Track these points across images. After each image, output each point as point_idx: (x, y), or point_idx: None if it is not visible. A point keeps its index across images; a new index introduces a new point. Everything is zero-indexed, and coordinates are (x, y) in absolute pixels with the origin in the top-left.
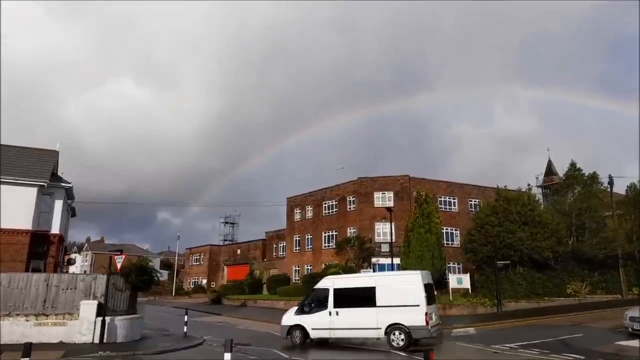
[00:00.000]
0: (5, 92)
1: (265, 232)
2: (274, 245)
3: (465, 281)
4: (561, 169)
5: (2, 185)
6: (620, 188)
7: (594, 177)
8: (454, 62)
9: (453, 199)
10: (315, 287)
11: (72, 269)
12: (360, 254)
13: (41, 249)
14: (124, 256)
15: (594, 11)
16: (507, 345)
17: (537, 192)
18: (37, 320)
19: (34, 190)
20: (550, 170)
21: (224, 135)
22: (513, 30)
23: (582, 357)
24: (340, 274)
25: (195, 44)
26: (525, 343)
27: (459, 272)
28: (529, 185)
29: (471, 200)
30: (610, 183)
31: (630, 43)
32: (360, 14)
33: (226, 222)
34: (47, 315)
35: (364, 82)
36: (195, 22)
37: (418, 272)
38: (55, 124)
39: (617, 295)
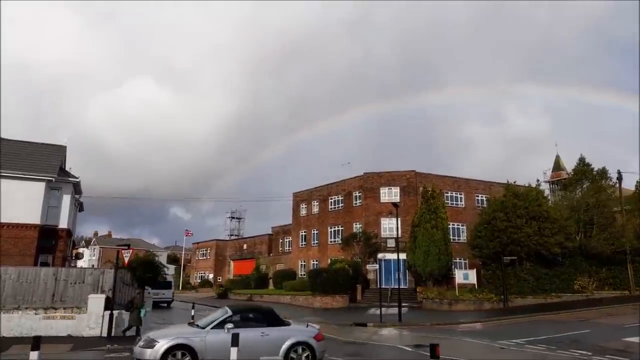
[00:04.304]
0: (27, 93)
1: (272, 227)
2: (280, 240)
3: (472, 277)
4: (569, 165)
5: (10, 180)
6: (629, 184)
7: (603, 172)
8: (464, 61)
9: (459, 194)
10: None
11: (80, 263)
12: (366, 249)
13: (49, 244)
14: (131, 251)
15: (606, 11)
16: (513, 340)
17: (545, 187)
18: (45, 313)
19: (42, 184)
20: (558, 166)
21: (237, 133)
22: (523, 30)
23: (590, 353)
24: (345, 269)
25: (213, 46)
26: (532, 339)
27: (465, 268)
28: (538, 181)
29: (478, 196)
30: (619, 178)
31: (635, 42)
32: (372, 14)
33: (232, 217)
34: (56, 309)
35: (375, 81)
36: (213, 25)
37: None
38: (76, 123)
39: (625, 291)
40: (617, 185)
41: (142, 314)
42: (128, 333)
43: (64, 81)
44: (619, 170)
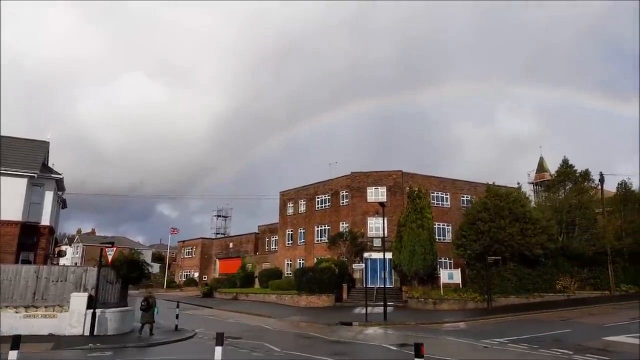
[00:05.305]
0: (20, 89)
1: (258, 226)
2: (267, 239)
3: (456, 276)
4: (554, 167)
5: None
6: (611, 186)
7: (586, 174)
8: (456, 62)
9: (445, 194)
10: None
11: (62, 261)
12: (353, 248)
13: (31, 241)
14: (115, 248)
15: (597, 16)
16: (496, 340)
17: (529, 188)
18: (26, 312)
19: (24, 181)
20: (541, 167)
21: (230, 132)
22: (516, 32)
23: (571, 352)
24: (331, 268)
25: (208, 43)
26: (515, 338)
27: (450, 267)
28: (518, 183)
29: (463, 196)
30: (601, 180)
31: (626, 47)
32: (368, 15)
33: (219, 216)
34: (37, 307)
35: (369, 81)
36: (208, 21)
37: None
38: (69, 120)
39: (606, 291)
40: (599, 187)
41: (155, 312)
42: (143, 331)
43: (58, 77)
44: (601, 172)
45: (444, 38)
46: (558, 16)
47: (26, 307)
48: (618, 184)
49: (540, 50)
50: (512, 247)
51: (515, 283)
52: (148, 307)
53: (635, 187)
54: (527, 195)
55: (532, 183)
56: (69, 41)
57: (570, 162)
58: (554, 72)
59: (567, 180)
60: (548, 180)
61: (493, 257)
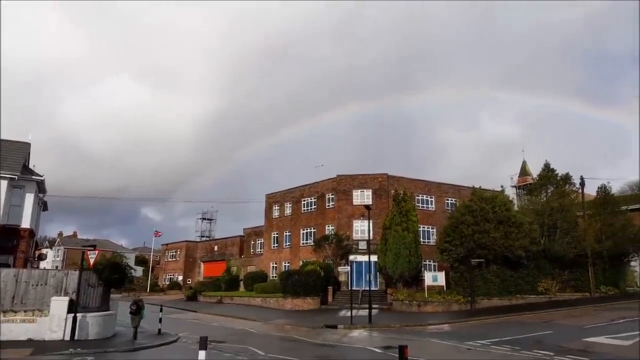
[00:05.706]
0: (3, 89)
1: (243, 229)
2: (252, 242)
3: (441, 279)
4: (536, 171)
5: None
6: (591, 189)
7: (567, 177)
8: (443, 67)
9: (430, 197)
10: None
11: (43, 264)
12: (338, 251)
13: (10, 244)
14: (97, 251)
15: (573, 24)
16: (479, 341)
17: (512, 192)
18: (5, 317)
19: (4, 182)
20: (524, 171)
21: (217, 135)
22: (502, 38)
23: (552, 354)
24: (317, 271)
25: (194, 45)
26: (497, 340)
27: (434, 270)
28: (502, 186)
29: (448, 199)
30: (582, 184)
31: (608, 52)
32: (353, 18)
33: (204, 219)
34: (16, 312)
35: (356, 84)
36: (195, 23)
37: None
38: (53, 121)
39: (586, 293)
40: (580, 190)
41: (143, 316)
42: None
43: (41, 78)
44: (581, 176)
45: (431, 44)
46: (543, 22)
47: (4, 312)
48: (598, 187)
49: (525, 56)
50: (495, 250)
51: (498, 285)
52: (137, 310)
53: (614, 190)
54: (510, 199)
55: (515, 186)
56: (52, 42)
57: (552, 166)
58: (537, 77)
59: (549, 183)
60: (530, 183)
61: (476, 260)
